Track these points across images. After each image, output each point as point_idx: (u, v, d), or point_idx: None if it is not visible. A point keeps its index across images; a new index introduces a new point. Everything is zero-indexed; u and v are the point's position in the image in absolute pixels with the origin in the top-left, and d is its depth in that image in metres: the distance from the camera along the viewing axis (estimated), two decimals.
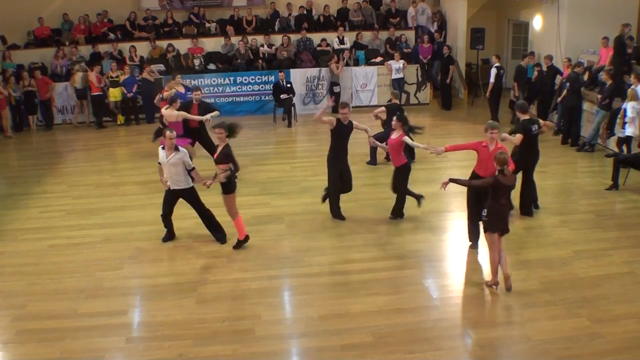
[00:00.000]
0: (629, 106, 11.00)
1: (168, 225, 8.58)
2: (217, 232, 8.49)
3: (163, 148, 8.20)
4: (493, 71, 14.93)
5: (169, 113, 10.76)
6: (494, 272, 7.08)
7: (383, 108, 11.70)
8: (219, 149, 8.01)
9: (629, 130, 11.04)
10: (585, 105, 13.15)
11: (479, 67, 17.58)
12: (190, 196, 8.33)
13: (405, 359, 5.87)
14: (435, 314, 6.63)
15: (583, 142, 12.77)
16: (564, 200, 9.91)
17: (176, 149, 8.10)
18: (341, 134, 8.95)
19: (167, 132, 8.12)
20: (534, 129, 8.75)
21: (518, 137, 8.65)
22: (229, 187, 7.99)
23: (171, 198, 8.38)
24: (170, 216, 8.52)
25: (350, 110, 9.03)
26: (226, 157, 7.90)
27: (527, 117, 8.84)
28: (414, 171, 11.46)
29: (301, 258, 8.02)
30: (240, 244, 8.29)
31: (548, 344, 6.00)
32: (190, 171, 8.19)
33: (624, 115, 11.13)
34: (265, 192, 10.49)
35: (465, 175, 8.62)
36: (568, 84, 12.86)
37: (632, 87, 11.38)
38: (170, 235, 8.60)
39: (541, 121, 9.24)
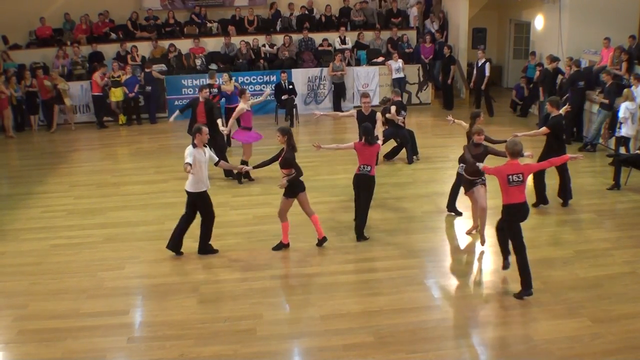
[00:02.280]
0: (623, 106, 11.04)
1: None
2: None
3: (194, 147, 7.68)
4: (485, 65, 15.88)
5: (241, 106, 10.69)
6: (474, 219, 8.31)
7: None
8: (283, 154, 7.95)
9: (623, 130, 11.07)
10: (587, 105, 13.14)
11: None
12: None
13: (407, 359, 5.87)
14: (437, 314, 6.64)
15: (585, 142, 12.76)
16: None
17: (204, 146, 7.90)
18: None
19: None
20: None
21: (543, 129, 9.16)
22: (291, 191, 8.01)
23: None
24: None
25: (371, 100, 9.03)
26: (288, 162, 7.87)
27: (557, 113, 9.14)
28: (416, 171, 11.54)
29: (302, 258, 8.02)
30: (281, 246, 8.24)
31: (550, 344, 6.00)
32: (216, 164, 8.16)
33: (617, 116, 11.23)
34: (266, 192, 10.47)
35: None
36: (582, 83, 12.80)
37: (632, 87, 11.37)
38: None
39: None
